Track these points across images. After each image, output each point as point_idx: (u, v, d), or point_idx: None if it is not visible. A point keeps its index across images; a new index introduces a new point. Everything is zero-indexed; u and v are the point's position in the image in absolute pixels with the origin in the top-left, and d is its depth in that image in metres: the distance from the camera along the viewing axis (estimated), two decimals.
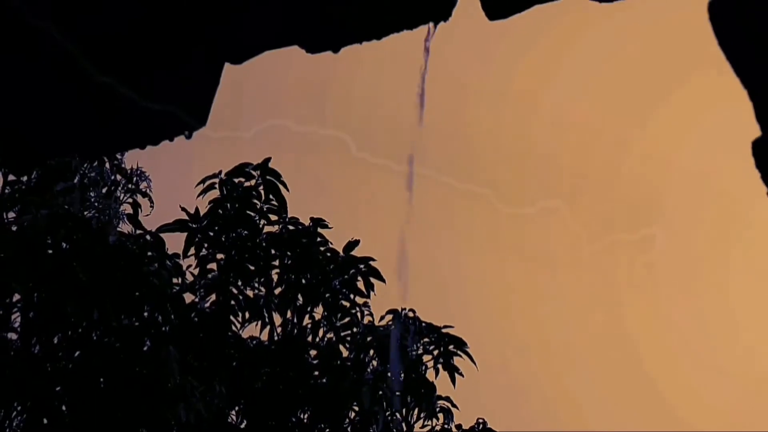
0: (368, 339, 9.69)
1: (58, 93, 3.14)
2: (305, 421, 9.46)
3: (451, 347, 9.79)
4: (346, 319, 9.76)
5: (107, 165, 9.77)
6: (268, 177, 9.67)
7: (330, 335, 9.75)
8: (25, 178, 8.97)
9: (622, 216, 16.30)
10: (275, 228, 9.78)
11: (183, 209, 9.60)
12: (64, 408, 8.28)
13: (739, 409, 13.50)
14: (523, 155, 16.21)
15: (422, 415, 9.71)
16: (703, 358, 15.23)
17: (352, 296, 9.72)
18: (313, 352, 9.69)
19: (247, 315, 9.49)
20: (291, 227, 9.76)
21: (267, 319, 9.54)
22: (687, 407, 14.07)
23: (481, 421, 9.93)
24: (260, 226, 9.72)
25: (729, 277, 16.03)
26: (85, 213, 9.25)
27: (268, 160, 9.71)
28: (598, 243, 15.70)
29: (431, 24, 3.39)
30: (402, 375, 9.60)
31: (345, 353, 9.72)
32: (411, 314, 9.87)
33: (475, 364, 9.80)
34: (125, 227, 9.51)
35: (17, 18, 2.97)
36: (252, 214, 9.66)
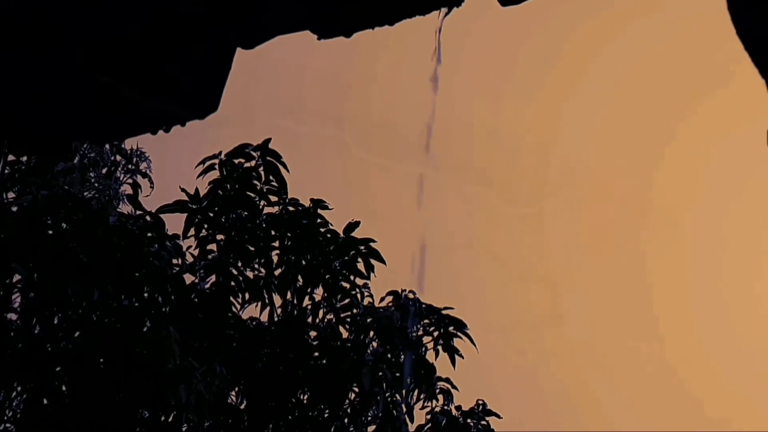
0: (368, 320, 9.69)
1: (66, 86, 3.13)
2: (305, 402, 9.47)
3: (451, 329, 9.79)
4: (346, 301, 9.75)
5: (107, 145, 9.74)
6: (268, 158, 9.66)
7: (330, 316, 9.75)
8: (24, 158, 8.93)
9: (651, 218, 16.34)
10: (275, 209, 9.76)
11: (183, 190, 9.59)
12: (64, 389, 8.28)
13: None
14: (543, 161, 16.23)
15: (422, 396, 9.73)
16: (732, 353, 15.25)
17: (352, 277, 9.71)
18: (313, 333, 9.69)
19: (247, 296, 9.47)
20: (291, 208, 9.75)
21: (267, 300, 9.53)
22: (715, 403, 14.08)
23: (480, 402, 9.95)
24: (260, 207, 9.71)
25: (757, 274, 16.06)
26: (85, 193, 9.23)
27: (268, 140, 9.69)
28: (623, 243, 15.76)
29: (443, 10, 3.36)
30: (403, 357, 9.61)
31: (345, 334, 9.72)
32: (411, 296, 9.87)
33: (475, 345, 9.79)
34: (125, 208, 9.51)
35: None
36: (252, 195, 9.64)
